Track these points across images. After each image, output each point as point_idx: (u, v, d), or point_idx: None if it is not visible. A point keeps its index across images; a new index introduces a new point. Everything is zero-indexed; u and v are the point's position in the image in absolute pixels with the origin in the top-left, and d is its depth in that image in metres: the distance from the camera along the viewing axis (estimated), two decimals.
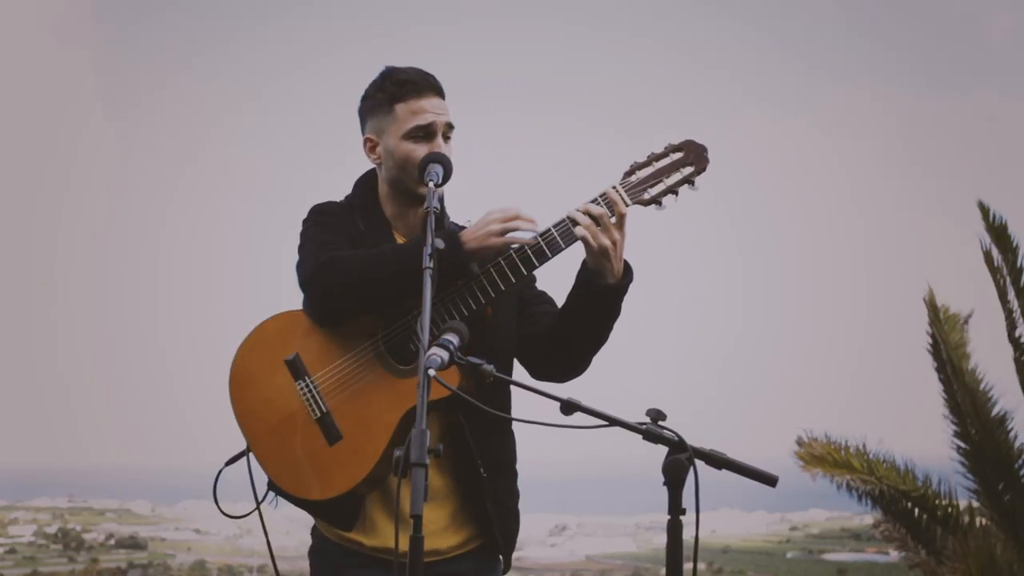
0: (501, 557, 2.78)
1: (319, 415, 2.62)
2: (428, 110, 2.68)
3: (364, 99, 2.78)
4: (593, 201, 2.57)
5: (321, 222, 2.76)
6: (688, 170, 2.62)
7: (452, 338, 2.24)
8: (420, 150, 2.67)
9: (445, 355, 2.17)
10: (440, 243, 2.40)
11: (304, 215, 2.80)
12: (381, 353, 2.63)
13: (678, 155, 2.63)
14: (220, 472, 2.75)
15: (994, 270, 6.13)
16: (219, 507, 2.79)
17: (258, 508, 2.72)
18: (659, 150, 2.64)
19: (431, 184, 2.55)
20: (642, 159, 2.63)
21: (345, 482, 2.59)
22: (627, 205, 2.57)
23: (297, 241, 2.76)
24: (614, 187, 2.59)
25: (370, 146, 2.76)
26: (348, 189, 2.88)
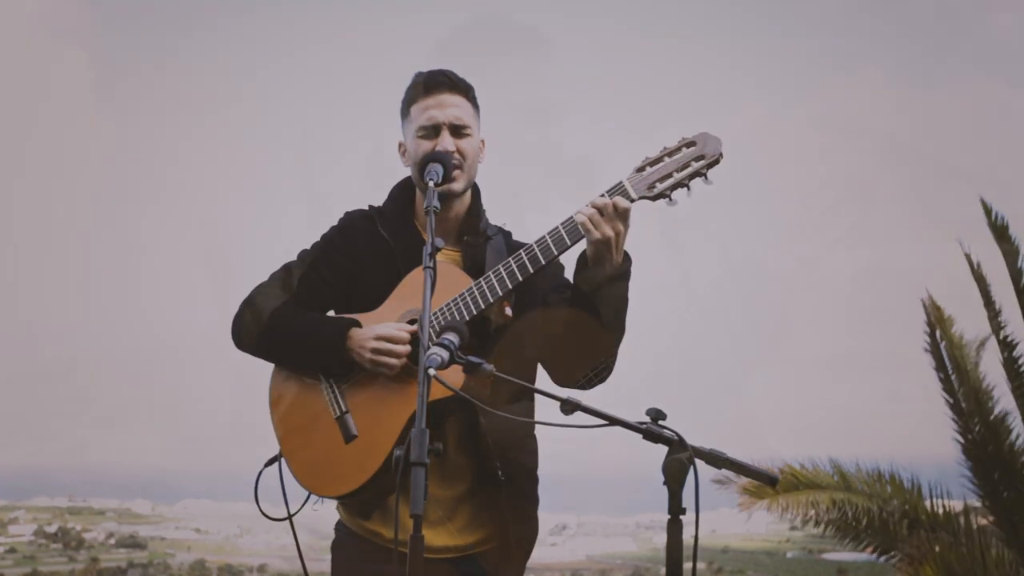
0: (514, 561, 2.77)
1: (338, 414, 2.68)
2: (432, 107, 2.71)
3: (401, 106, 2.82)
4: (600, 195, 2.55)
5: (329, 246, 2.81)
6: (700, 163, 2.53)
7: (452, 337, 2.25)
8: (428, 147, 2.69)
9: (445, 354, 2.18)
10: (440, 242, 2.39)
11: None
12: None
13: (691, 149, 2.55)
14: (260, 473, 2.80)
15: (979, 277, 6.15)
16: (260, 508, 2.82)
17: (289, 518, 2.76)
18: (672, 144, 2.58)
19: (431, 183, 2.56)
20: (654, 154, 2.57)
21: (356, 479, 2.64)
22: (632, 199, 2.53)
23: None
24: (620, 182, 2.56)
25: (402, 151, 2.82)
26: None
